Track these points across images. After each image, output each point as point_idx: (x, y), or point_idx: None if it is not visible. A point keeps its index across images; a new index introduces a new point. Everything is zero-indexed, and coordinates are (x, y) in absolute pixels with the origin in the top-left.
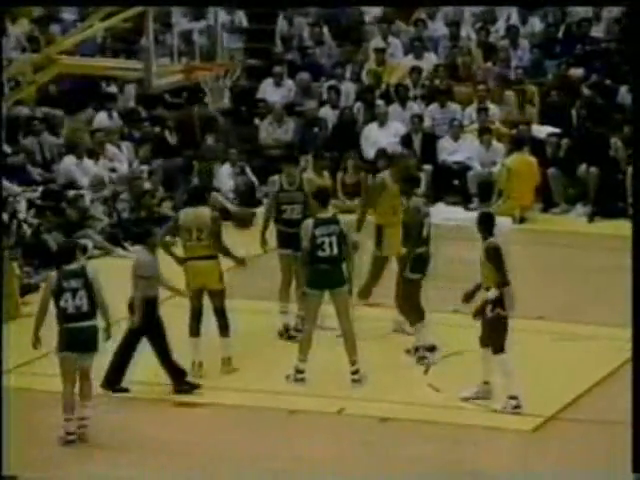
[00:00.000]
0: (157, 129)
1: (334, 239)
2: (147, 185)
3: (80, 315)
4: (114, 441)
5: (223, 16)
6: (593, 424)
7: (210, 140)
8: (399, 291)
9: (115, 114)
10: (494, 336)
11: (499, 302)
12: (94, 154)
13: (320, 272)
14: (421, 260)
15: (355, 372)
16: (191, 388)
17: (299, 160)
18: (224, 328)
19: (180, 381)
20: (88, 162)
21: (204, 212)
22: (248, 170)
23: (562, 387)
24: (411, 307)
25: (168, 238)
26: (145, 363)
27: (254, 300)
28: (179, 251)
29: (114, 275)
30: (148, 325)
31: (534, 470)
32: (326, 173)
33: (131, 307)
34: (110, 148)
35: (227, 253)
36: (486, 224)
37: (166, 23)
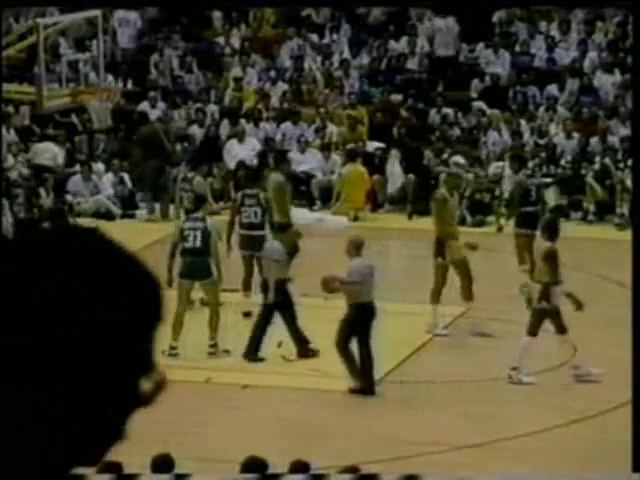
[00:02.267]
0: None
1: (199, 234)
2: (40, 190)
3: None
4: None
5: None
6: (412, 384)
7: (178, 148)
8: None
9: (12, 130)
10: (535, 323)
11: (545, 296)
12: None
13: (186, 264)
14: None
15: (213, 345)
16: (314, 354)
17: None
18: None
19: (305, 348)
20: None
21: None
22: (127, 179)
23: (386, 355)
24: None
25: None
26: None
27: None
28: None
29: None
30: (282, 301)
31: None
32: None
33: (263, 287)
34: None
35: None
36: (550, 230)
37: (55, 54)
